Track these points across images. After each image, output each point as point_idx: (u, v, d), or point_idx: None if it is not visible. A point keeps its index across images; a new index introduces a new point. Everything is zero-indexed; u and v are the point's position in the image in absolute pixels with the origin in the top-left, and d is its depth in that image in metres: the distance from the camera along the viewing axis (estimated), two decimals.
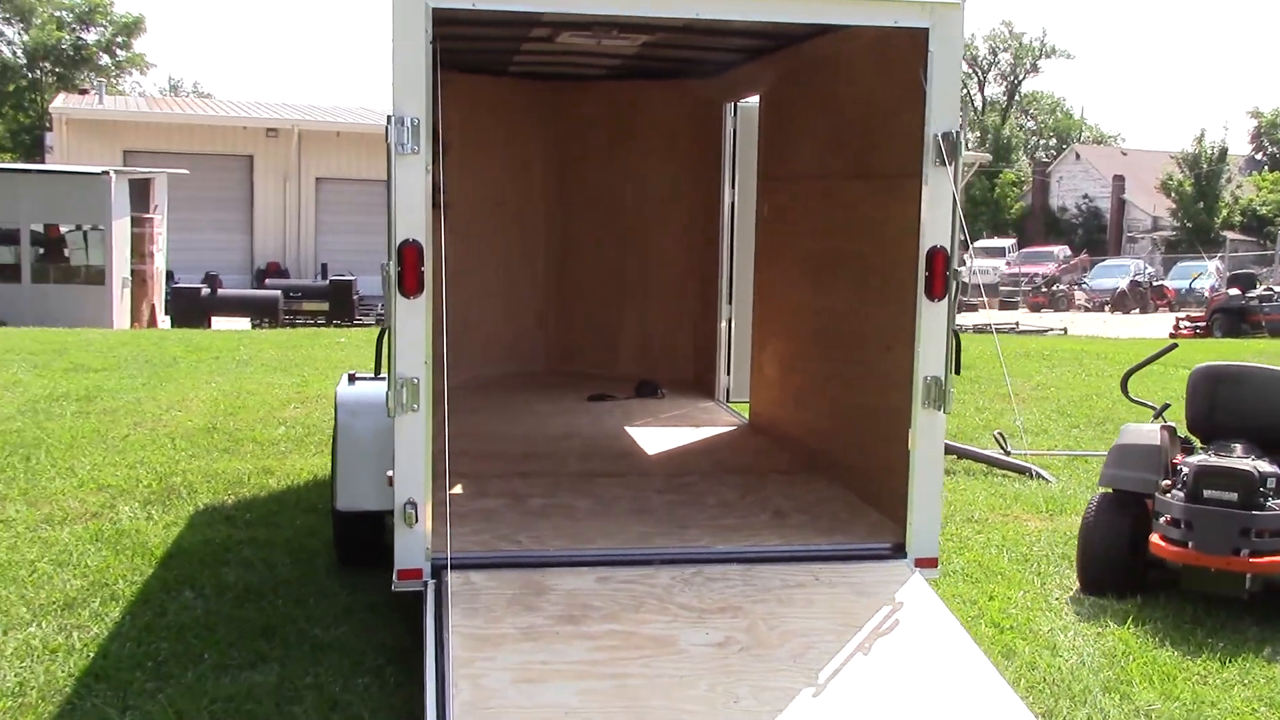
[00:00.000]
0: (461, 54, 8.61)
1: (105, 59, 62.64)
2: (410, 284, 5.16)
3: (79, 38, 61.18)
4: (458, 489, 6.59)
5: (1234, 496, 6.28)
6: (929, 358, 5.51)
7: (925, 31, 5.41)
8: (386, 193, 5.14)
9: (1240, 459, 6.50)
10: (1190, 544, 6.32)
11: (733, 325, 9.36)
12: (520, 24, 7.22)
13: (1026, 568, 7.24)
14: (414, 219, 5.13)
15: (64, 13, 60.53)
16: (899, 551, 5.65)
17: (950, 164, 5.40)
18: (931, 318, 5.51)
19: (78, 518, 7.74)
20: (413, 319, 5.20)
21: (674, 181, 9.95)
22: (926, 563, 5.67)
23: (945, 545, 7.60)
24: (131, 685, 5.17)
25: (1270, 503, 6.29)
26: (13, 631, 5.75)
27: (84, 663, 5.40)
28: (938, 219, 5.49)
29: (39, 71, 60.19)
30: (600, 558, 5.50)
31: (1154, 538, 6.48)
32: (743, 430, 8.51)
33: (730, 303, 9.39)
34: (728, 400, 9.46)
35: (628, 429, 8.40)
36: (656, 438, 8.15)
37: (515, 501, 6.39)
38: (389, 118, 5.07)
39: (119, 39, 62.77)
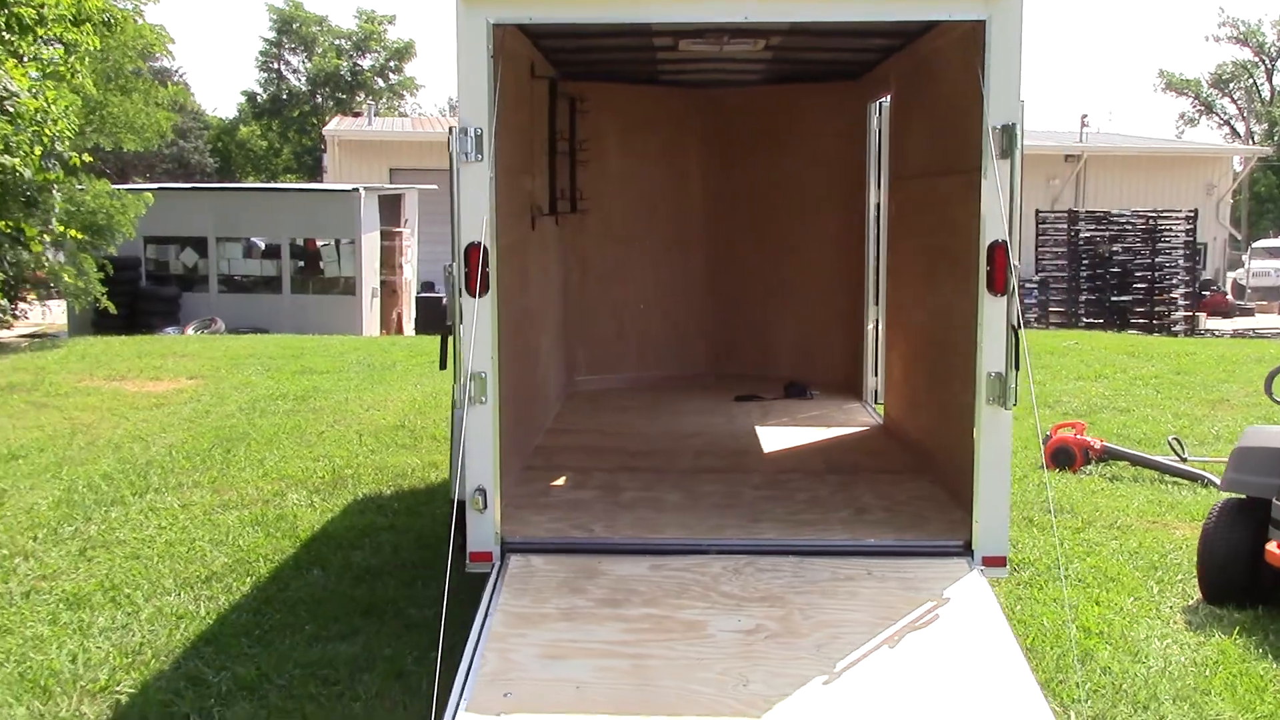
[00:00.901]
0: (605, 65, 8.96)
1: (379, 83, 66.71)
2: (474, 284, 5.50)
3: (355, 64, 65.43)
4: (560, 480, 6.93)
5: None
6: (990, 353, 5.45)
7: (983, 24, 5.37)
8: (450, 199, 5.49)
9: None
10: None
11: (879, 326, 9.33)
12: (634, 34, 7.48)
13: (1151, 575, 6.96)
14: (477, 223, 5.48)
15: (342, 41, 64.86)
16: (966, 550, 5.60)
17: (1008, 157, 5.33)
18: (993, 312, 5.45)
19: (249, 503, 8.49)
20: (479, 317, 5.54)
21: (825, 183, 9.99)
22: (994, 561, 5.59)
23: (1074, 550, 7.41)
24: (233, 649, 5.73)
25: None
26: (153, 599, 6.44)
27: (201, 628, 6.01)
28: (998, 213, 5.42)
29: (319, 97, 64.72)
30: (659, 546, 5.70)
31: (1270, 545, 6.13)
32: (874, 431, 8.49)
33: (876, 304, 9.38)
34: (875, 401, 9.43)
35: (758, 428, 8.52)
36: (782, 437, 8.25)
37: (609, 493, 6.66)
38: (450, 129, 5.44)
39: (391, 63, 66.75)
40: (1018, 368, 5.43)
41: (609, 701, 4.45)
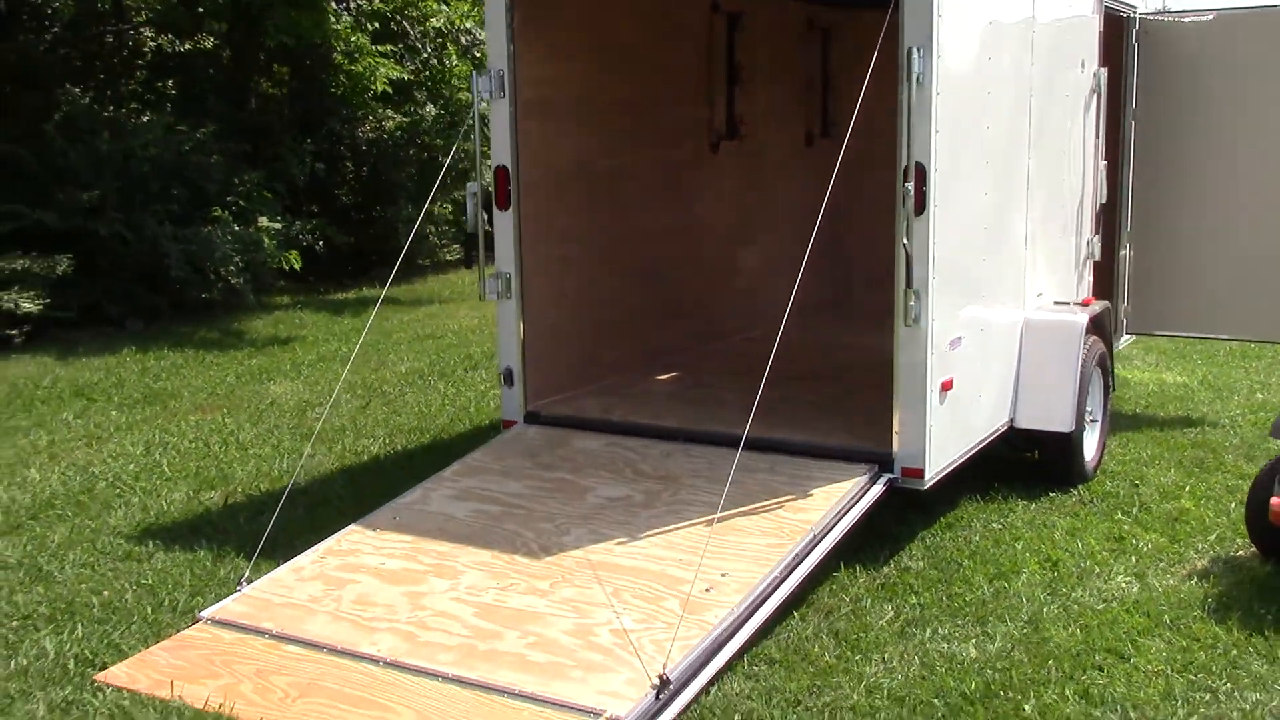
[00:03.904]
0: None
1: None
2: (500, 199, 6.67)
3: None
4: (663, 375, 7.82)
5: None
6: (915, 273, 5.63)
7: None
8: (475, 131, 6.66)
9: None
10: None
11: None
12: None
13: (1217, 522, 6.40)
14: (504, 147, 6.62)
15: None
16: (887, 461, 5.84)
17: (924, 82, 5.46)
18: (918, 231, 5.60)
19: None
20: (504, 227, 6.70)
21: None
22: (912, 473, 5.80)
23: (1167, 490, 6.91)
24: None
25: None
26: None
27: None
28: (922, 134, 5.55)
29: None
30: (632, 428, 6.54)
31: (1274, 500, 5.55)
32: None
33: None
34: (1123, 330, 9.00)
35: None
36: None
37: (657, 384, 7.52)
38: (473, 73, 6.61)
39: None
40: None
41: (454, 533, 5.56)
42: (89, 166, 12.26)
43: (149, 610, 5.33)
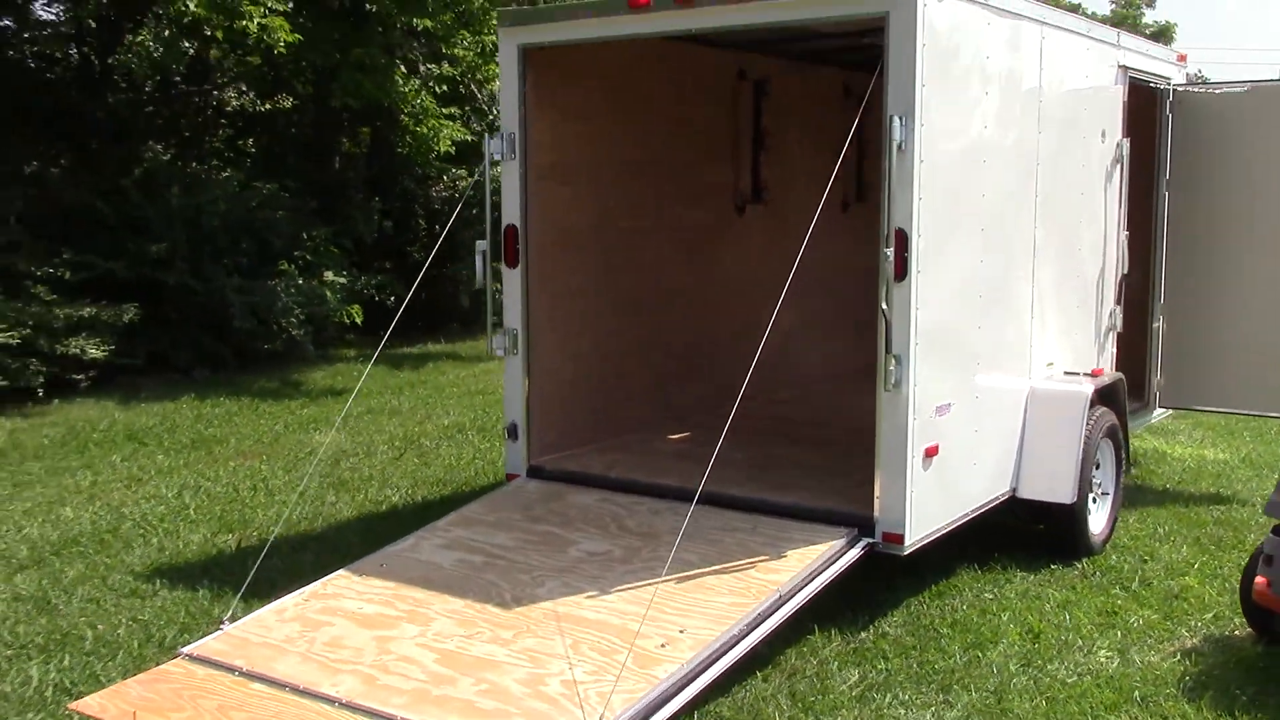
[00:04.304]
0: None
1: None
2: (509, 257, 6.86)
3: None
4: (674, 434, 7.89)
5: None
6: (895, 338, 5.68)
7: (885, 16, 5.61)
8: (483, 190, 6.87)
9: None
10: (1270, 584, 5.26)
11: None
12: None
13: (1218, 600, 6.26)
14: (513, 207, 6.83)
15: None
16: (868, 525, 5.85)
17: (906, 148, 5.54)
18: (899, 298, 5.65)
19: None
20: (512, 284, 6.89)
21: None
22: (892, 538, 5.80)
23: (1175, 566, 6.80)
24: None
25: None
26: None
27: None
28: (903, 200, 5.62)
29: None
30: (628, 485, 6.62)
31: (1258, 579, 5.44)
32: None
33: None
34: (1156, 404, 8.87)
35: None
36: None
37: (669, 443, 7.60)
38: (486, 136, 6.85)
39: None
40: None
41: (435, 581, 5.69)
42: (161, 219, 12.80)
43: (136, 645, 5.55)
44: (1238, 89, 8.57)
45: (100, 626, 5.77)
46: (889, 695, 5.08)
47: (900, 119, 5.55)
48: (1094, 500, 7.16)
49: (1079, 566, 6.81)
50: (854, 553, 5.73)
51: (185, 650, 5.24)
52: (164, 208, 12.90)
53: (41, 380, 11.36)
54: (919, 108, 5.56)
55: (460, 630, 5.20)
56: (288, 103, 16.43)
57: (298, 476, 8.92)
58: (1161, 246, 8.75)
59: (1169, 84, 8.61)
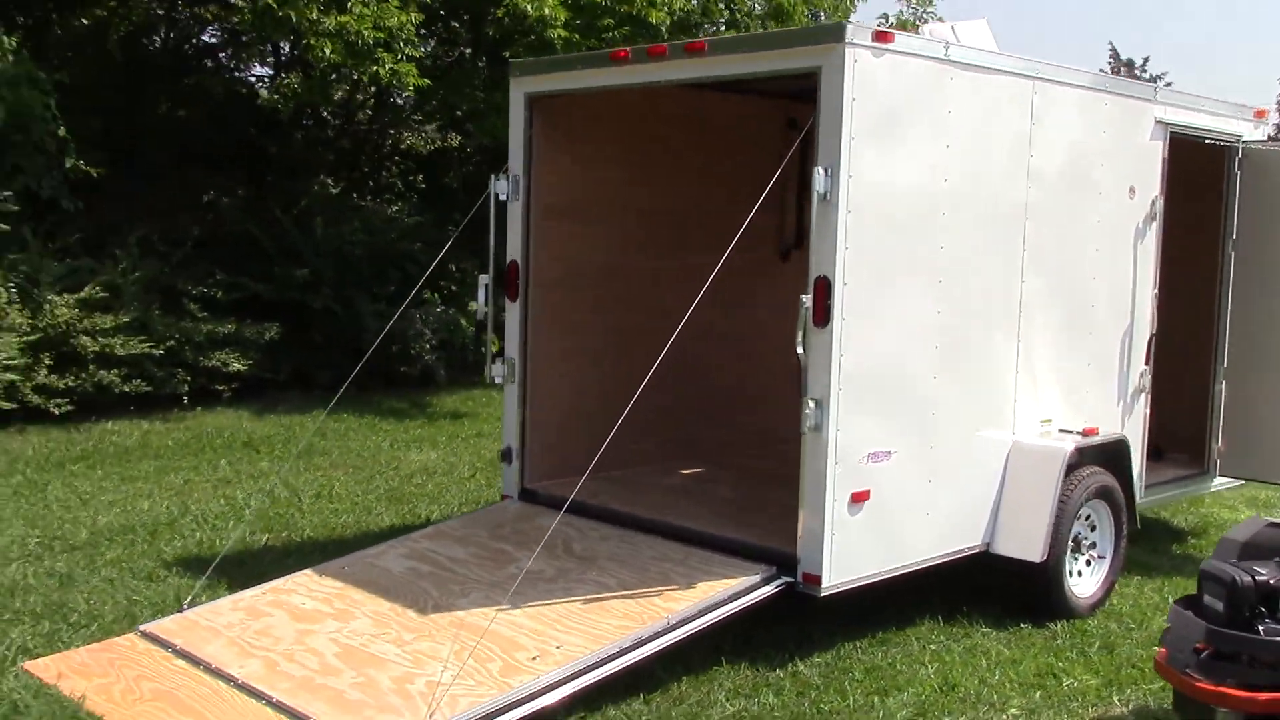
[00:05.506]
0: None
1: None
2: (511, 291, 7.31)
3: None
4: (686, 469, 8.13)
5: (1219, 606, 4.92)
6: (814, 382, 5.82)
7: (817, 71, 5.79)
8: (490, 228, 7.31)
9: (1255, 566, 4.92)
10: (1168, 656, 5.09)
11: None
12: None
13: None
14: (516, 244, 7.27)
15: None
16: (790, 563, 5.97)
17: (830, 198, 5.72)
18: (817, 343, 5.80)
19: None
20: (513, 317, 7.33)
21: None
22: (811, 579, 5.90)
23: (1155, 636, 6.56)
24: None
25: (1266, 624, 4.78)
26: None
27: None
28: (825, 249, 5.78)
29: None
30: (596, 511, 6.90)
31: (1158, 650, 5.26)
32: None
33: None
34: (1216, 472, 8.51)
35: None
36: None
37: (671, 478, 7.84)
38: (493, 176, 7.31)
39: None
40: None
41: (378, 585, 6.15)
42: (309, 247, 13.89)
43: (110, 620, 6.22)
44: None
45: (94, 602, 6.49)
46: None
47: (825, 170, 5.71)
48: (1087, 563, 7.01)
49: (1053, 628, 6.67)
50: (768, 589, 5.87)
51: (141, 627, 5.89)
52: (311, 236, 13.98)
53: (186, 389, 12.51)
54: (845, 159, 5.70)
55: (372, 629, 5.64)
56: (455, 141, 17.45)
57: (363, 490, 9.59)
58: (1226, 307, 8.42)
59: (1239, 141, 8.30)
